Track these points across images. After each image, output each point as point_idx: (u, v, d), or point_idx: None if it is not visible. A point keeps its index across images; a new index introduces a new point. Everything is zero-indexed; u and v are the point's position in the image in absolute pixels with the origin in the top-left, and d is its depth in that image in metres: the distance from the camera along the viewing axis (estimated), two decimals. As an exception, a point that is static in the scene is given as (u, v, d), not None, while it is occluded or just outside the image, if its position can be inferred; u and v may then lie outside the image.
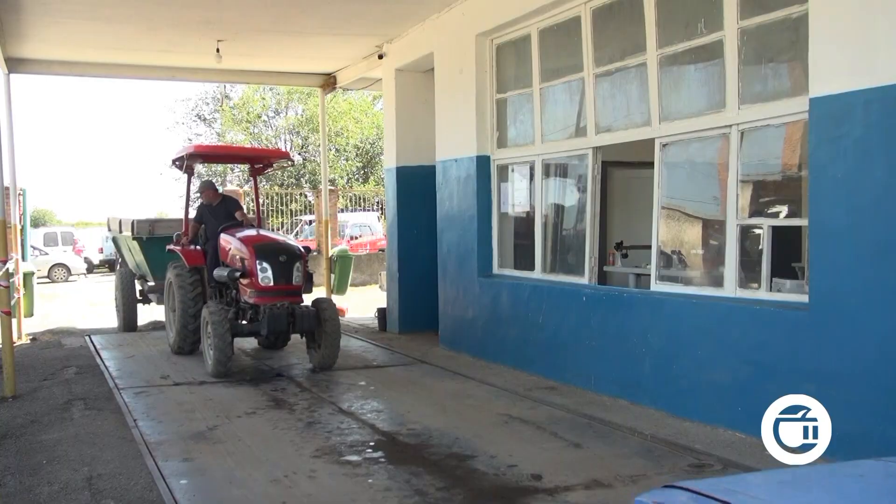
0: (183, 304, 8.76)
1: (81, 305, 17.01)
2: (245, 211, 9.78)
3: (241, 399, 6.95)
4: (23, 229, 13.80)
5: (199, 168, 36.78)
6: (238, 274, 8.00)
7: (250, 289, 7.97)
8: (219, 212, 9.25)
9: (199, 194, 9.82)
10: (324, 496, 4.59)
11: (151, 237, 11.29)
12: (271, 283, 7.84)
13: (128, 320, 11.97)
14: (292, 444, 5.60)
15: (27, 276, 12.77)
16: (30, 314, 12.99)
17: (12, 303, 8.10)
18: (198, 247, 9.22)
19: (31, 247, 26.38)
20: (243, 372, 8.27)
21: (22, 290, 11.62)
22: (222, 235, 8.75)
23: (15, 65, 12.12)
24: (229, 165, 32.43)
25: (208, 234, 9.15)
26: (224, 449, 5.50)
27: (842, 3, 4.96)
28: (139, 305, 12.16)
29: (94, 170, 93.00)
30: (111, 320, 13.04)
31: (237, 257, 8.24)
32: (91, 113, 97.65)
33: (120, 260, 14.14)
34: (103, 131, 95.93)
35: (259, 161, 10.78)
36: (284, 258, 7.94)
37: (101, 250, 30.62)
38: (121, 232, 12.45)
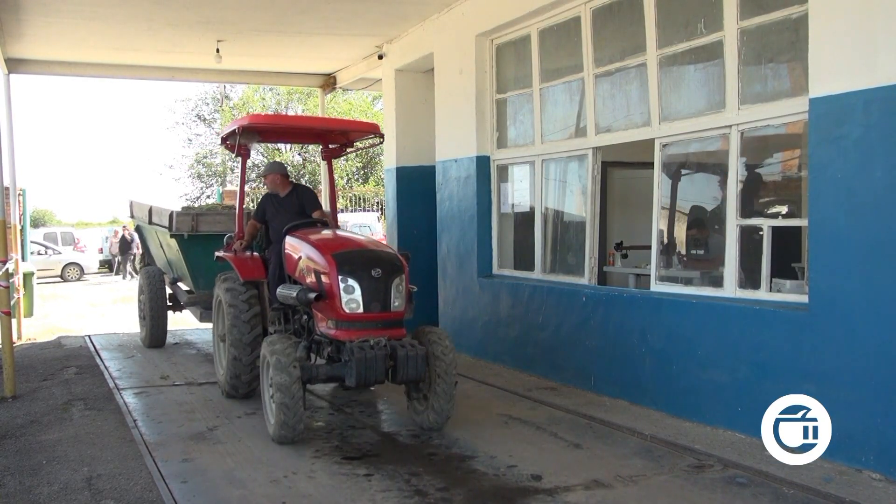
0: (236, 331, 6.63)
1: (81, 306, 17.00)
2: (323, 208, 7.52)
3: (240, 400, 6.94)
4: (23, 229, 13.81)
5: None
6: (314, 296, 5.68)
7: (330, 316, 5.71)
8: (288, 206, 7.03)
9: (262, 179, 7.57)
10: (323, 496, 4.58)
11: (194, 235, 8.94)
12: (360, 310, 5.58)
13: (155, 333, 9.83)
14: (292, 445, 5.59)
15: (27, 277, 12.77)
16: (29, 314, 13.00)
17: (12, 303, 8.09)
18: (255, 253, 7.13)
19: (43, 246, 26.49)
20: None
21: (22, 291, 11.63)
22: (288, 239, 6.51)
23: (15, 65, 12.17)
24: (229, 161, 32.46)
25: (272, 237, 6.98)
26: (224, 449, 5.50)
27: (842, 3, 4.96)
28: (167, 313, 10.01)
29: (94, 170, 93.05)
30: (111, 323, 13.03)
31: (309, 270, 5.97)
32: (91, 113, 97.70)
33: (144, 254, 11.73)
34: (103, 131, 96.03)
35: (336, 138, 7.75)
36: (379, 272, 5.61)
37: (101, 251, 30.64)
38: (150, 222, 9.92)
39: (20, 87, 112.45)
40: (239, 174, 7.61)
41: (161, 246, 10.07)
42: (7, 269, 7.38)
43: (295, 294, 5.79)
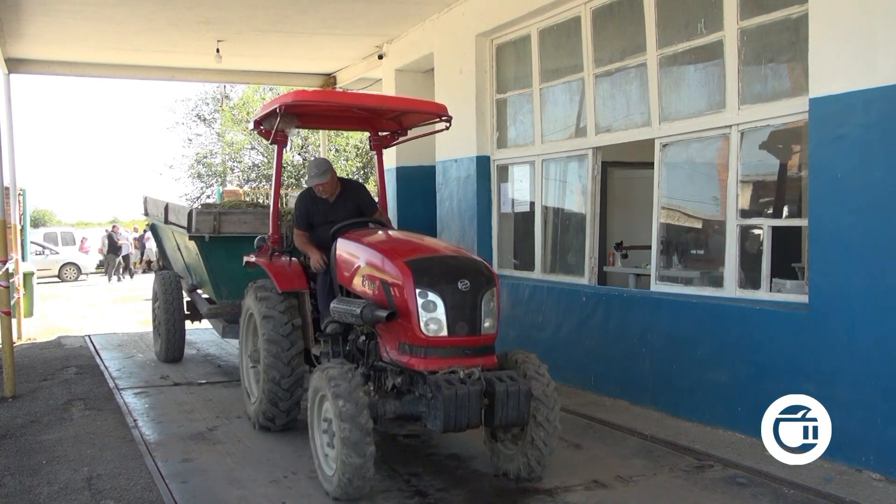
0: (274, 349, 5.59)
1: (81, 306, 17.00)
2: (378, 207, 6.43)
3: (240, 399, 6.93)
4: (23, 229, 13.82)
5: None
6: (385, 315, 4.58)
7: (402, 339, 4.62)
8: (338, 210, 5.90)
9: (313, 179, 5.90)
10: (324, 497, 4.57)
11: (216, 237, 7.64)
12: (444, 332, 4.48)
13: (171, 346, 8.66)
14: (292, 445, 5.59)
15: (27, 277, 12.78)
16: (29, 314, 13.00)
17: (12, 303, 8.09)
18: (293, 258, 6.01)
19: (41, 246, 26.45)
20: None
21: (22, 291, 11.63)
22: (340, 242, 5.44)
23: (15, 65, 12.18)
24: (229, 161, 32.41)
25: (318, 242, 5.86)
26: (224, 449, 5.50)
27: (842, 3, 4.96)
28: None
29: (94, 170, 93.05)
30: (111, 323, 12.98)
31: (373, 280, 4.86)
32: (91, 113, 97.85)
33: (158, 257, 10.42)
34: (103, 131, 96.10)
35: (387, 124, 6.47)
36: (466, 285, 4.53)
37: (101, 251, 30.63)
38: (166, 221, 8.65)
39: (20, 87, 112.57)
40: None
41: (178, 248, 8.80)
42: (7, 269, 7.39)
43: (359, 310, 4.69)
